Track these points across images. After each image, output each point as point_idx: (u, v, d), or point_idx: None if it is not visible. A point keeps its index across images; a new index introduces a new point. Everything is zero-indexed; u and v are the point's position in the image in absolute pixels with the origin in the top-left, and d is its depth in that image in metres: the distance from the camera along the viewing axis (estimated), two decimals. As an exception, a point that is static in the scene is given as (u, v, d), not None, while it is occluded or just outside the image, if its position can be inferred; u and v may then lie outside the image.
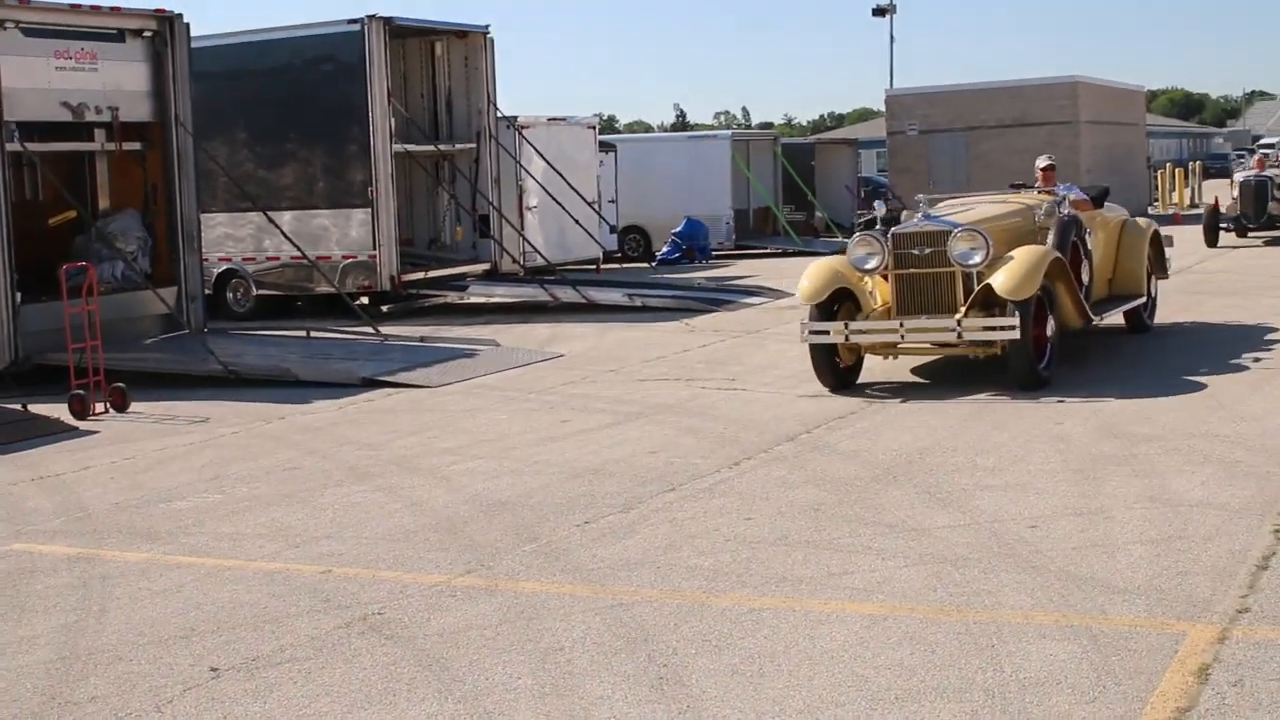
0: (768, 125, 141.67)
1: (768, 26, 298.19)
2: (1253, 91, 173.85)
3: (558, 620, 6.90)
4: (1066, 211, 14.00)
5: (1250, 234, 30.11)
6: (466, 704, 5.88)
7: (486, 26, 24.77)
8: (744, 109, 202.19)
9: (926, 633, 6.44)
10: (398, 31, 23.28)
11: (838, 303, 13.44)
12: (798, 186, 39.64)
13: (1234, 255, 27.16)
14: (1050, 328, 12.91)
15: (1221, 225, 29.67)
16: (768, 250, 36.07)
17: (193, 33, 18.36)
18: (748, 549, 8.04)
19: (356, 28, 22.33)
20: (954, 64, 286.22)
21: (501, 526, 8.87)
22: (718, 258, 34.36)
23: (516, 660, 6.37)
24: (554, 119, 28.94)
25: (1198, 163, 61.06)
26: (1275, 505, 8.38)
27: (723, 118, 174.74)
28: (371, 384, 15.44)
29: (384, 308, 23.52)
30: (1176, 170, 51.53)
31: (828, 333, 13.13)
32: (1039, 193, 14.91)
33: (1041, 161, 15.73)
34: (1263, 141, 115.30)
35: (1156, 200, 50.32)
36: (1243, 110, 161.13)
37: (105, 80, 17.39)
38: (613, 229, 31.76)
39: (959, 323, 12.64)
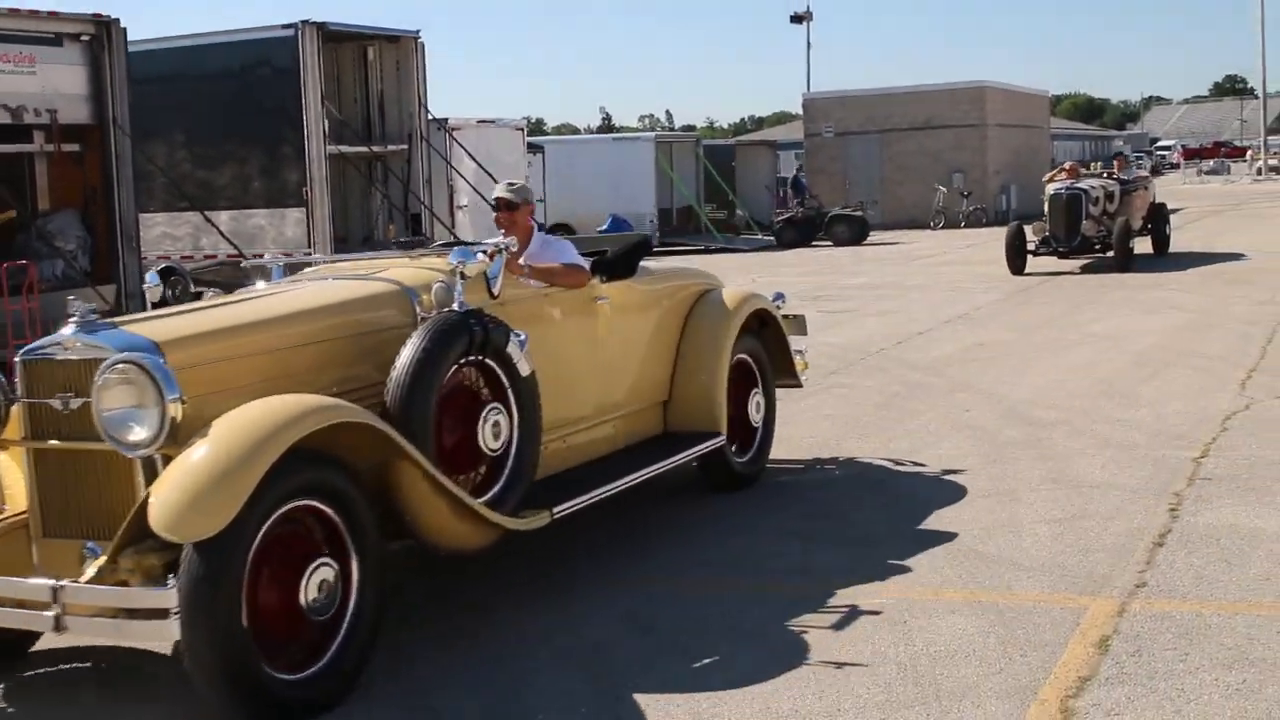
0: (690, 127, 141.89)
1: (690, 33, 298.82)
2: (1150, 97, 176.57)
3: (492, 599, 6.90)
4: (457, 301, 6.46)
5: (1067, 257, 24.27)
6: (398, 681, 5.86)
7: (417, 31, 24.64)
8: (667, 112, 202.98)
9: (842, 609, 6.49)
10: (331, 36, 23.11)
11: None
12: (719, 186, 39.77)
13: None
14: (357, 580, 5.75)
15: (1030, 249, 23.90)
16: (691, 248, 36.14)
17: (130, 37, 18.18)
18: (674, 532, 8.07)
19: (290, 33, 22.14)
20: (869, 69, 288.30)
21: (434, 513, 8.83)
22: (642, 255, 34.32)
23: (447, 643, 6.35)
24: (483, 121, 28.86)
25: (1099, 164, 61.70)
26: (1171, 486, 8.50)
27: (647, 120, 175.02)
28: (307, 378, 15.27)
29: (319, 304, 23.29)
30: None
31: None
32: (496, 254, 7.00)
33: (501, 191, 8.16)
34: (1160, 144, 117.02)
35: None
36: (1141, 114, 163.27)
37: (43, 83, 17.15)
38: (541, 227, 31.63)
39: (57, 592, 5.36)
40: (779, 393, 9.73)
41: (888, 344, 15.49)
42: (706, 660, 5.94)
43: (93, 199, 18.13)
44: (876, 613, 6.40)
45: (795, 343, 9.83)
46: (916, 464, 9.51)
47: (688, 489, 8.99)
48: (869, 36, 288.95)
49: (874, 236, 37.37)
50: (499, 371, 6.58)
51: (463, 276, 6.47)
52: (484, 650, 6.20)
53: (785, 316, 9.80)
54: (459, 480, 6.29)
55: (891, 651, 5.91)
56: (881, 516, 8.15)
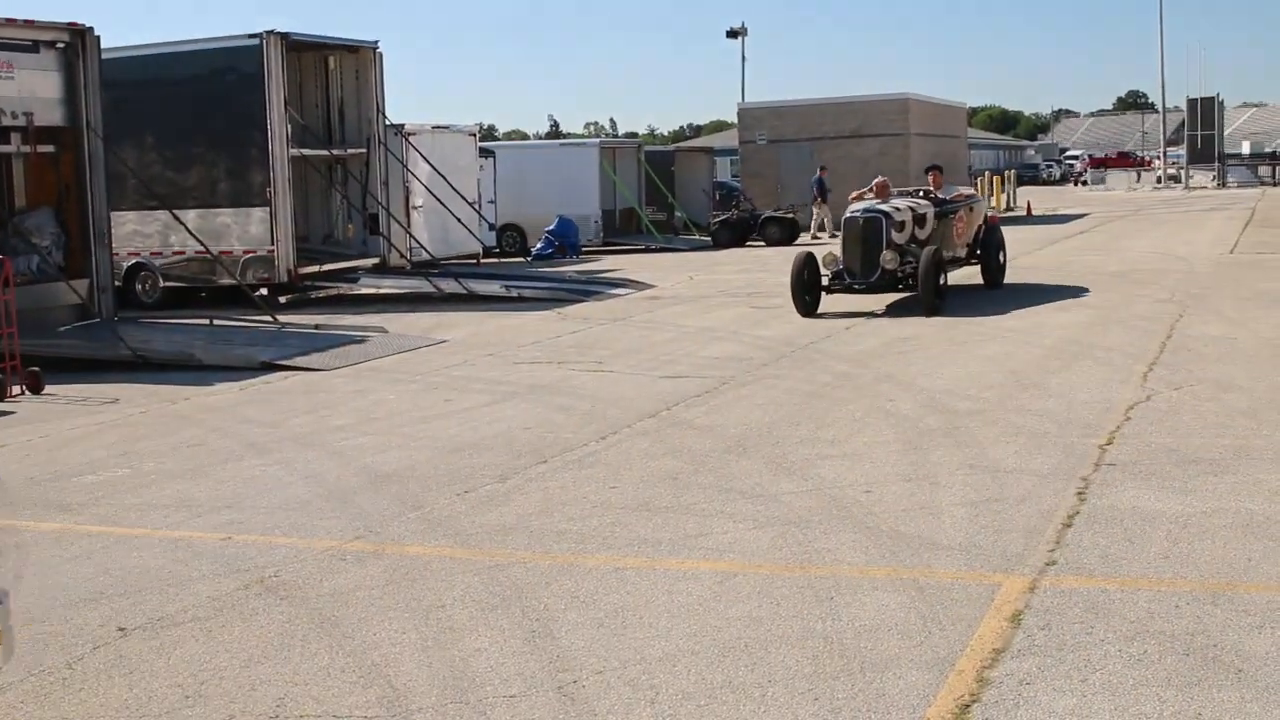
0: (633, 134, 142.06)
1: (634, 46, 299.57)
2: (1060, 110, 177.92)
3: (439, 580, 6.83)
4: None
5: (865, 294, 18.34)
6: (356, 657, 5.80)
7: (375, 42, 24.48)
8: (611, 119, 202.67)
9: (772, 587, 6.47)
10: (294, 45, 22.93)
11: None
12: (659, 189, 39.75)
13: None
14: None
15: (824, 285, 18.13)
16: (632, 247, 36.11)
17: (103, 44, 17.96)
18: (613, 514, 8.02)
19: (255, 42, 21.97)
20: (800, 80, 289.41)
21: (389, 496, 8.77)
22: (587, 253, 34.34)
23: (402, 617, 6.29)
24: (438, 127, 28.74)
25: (1012, 171, 62.16)
26: (1078, 471, 8.53)
27: (592, 127, 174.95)
28: (270, 367, 15.19)
29: (281, 298, 23.17)
30: (995, 178, 52.41)
31: None
32: None
33: None
34: (1069, 153, 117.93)
35: (976, 204, 51.06)
36: (1051, 126, 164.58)
37: (21, 88, 16.96)
38: (492, 227, 31.62)
39: None
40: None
41: (816, 338, 15.50)
42: (643, 635, 5.91)
43: (67, 198, 17.96)
44: (805, 589, 6.39)
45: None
46: (842, 449, 9.51)
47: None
48: (799, 50, 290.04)
49: (804, 237, 37.43)
50: None
51: None
52: (430, 628, 6.15)
53: None
54: None
55: (819, 626, 5.90)
56: (810, 500, 8.14)
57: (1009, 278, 20.86)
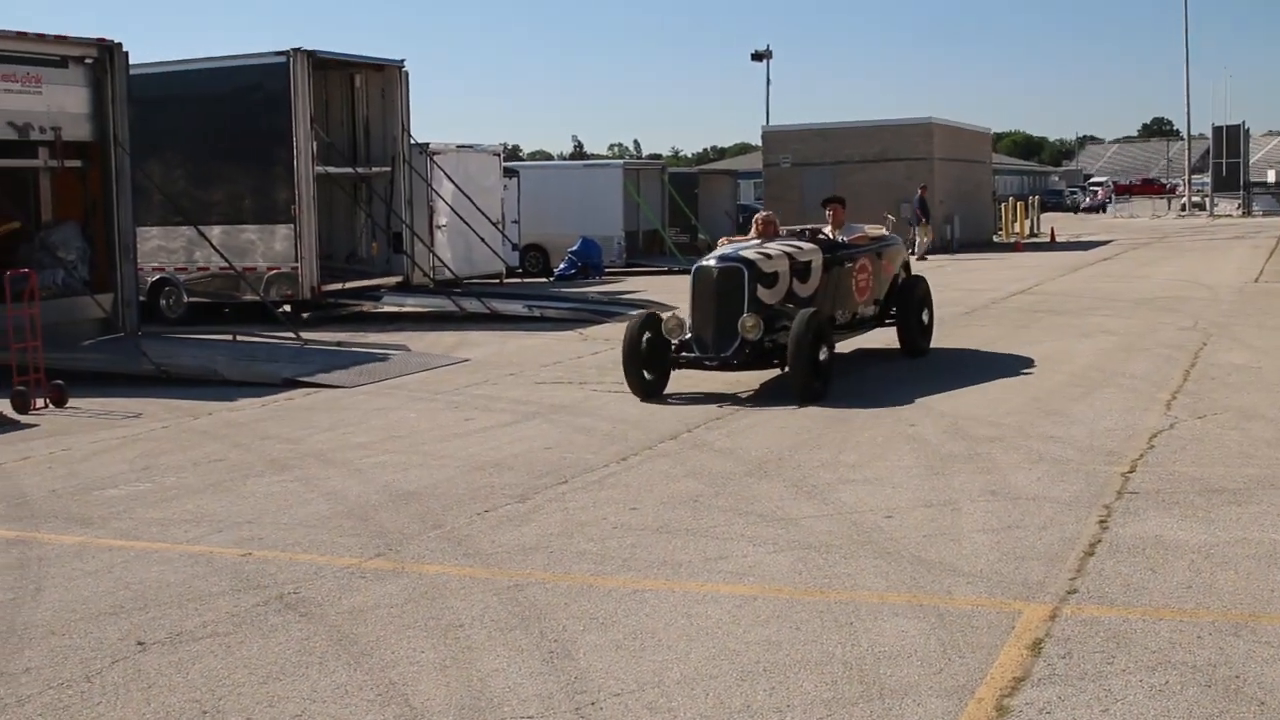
0: (656, 156, 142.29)
1: (659, 68, 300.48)
2: (1085, 136, 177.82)
3: (458, 599, 6.83)
4: None
5: (724, 370, 13.32)
6: (374, 675, 5.80)
7: (402, 61, 24.57)
8: (635, 141, 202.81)
9: (792, 611, 6.45)
10: (320, 64, 23.03)
11: None
12: (682, 211, 39.81)
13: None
14: None
15: (672, 357, 13.22)
16: (655, 268, 36.13)
17: (131, 60, 18.09)
18: (633, 535, 8.01)
19: (282, 60, 22.09)
20: (824, 104, 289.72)
21: (409, 514, 8.78)
22: (610, 274, 34.38)
23: (420, 636, 6.29)
24: (463, 146, 28.82)
25: (1037, 197, 62.15)
26: (1101, 499, 8.49)
27: (616, 148, 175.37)
28: (292, 384, 15.23)
29: (304, 315, 23.22)
30: (1019, 203, 52.37)
31: None
32: None
33: None
34: (1093, 180, 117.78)
35: (1001, 230, 51.04)
36: (1076, 152, 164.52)
37: (49, 103, 17.08)
38: (515, 247, 31.68)
39: None
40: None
41: (836, 360, 15.45)
42: (662, 657, 5.89)
43: (93, 212, 18.07)
44: (824, 614, 6.37)
45: None
46: (864, 473, 9.49)
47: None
48: (825, 74, 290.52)
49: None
50: None
51: None
52: (449, 647, 6.14)
53: None
54: None
55: (838, 651, 5.88)
56: (830, 524, 8.12)
57: (945, 340, 16.95)
